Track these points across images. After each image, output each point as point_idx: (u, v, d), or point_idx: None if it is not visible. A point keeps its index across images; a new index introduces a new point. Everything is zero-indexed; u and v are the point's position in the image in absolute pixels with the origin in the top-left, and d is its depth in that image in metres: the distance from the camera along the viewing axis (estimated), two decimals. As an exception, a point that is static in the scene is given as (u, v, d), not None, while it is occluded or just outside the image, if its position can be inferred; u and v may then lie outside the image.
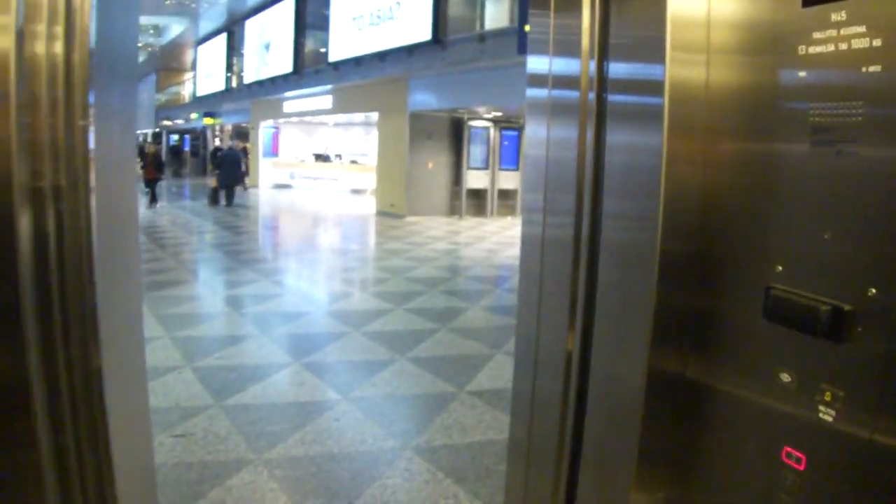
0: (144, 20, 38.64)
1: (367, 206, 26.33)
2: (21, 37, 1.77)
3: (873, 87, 1.35)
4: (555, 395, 2.24)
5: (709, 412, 1.77)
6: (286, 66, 30.10)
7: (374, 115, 26.32)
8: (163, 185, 30.12)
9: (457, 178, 23.99)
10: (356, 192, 32.76)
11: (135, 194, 2.36)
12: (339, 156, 36.33)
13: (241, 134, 40.40)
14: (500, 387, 6.43)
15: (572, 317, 2.14)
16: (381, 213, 23.86)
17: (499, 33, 17.44)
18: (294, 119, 35.34)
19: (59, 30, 1.86)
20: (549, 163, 2.27)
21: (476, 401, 6.14)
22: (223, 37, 39.74)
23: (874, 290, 1.34)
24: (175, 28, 41.42)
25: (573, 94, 2.10)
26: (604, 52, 2.00)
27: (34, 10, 1.83)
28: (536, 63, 2.31)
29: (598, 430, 2.06)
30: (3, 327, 1.81)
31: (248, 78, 35.33)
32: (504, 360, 7.21)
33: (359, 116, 31.91)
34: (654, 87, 1.75)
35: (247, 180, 32.57)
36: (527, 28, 2.43)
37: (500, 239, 18.52)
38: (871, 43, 1.35)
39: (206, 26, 40.37)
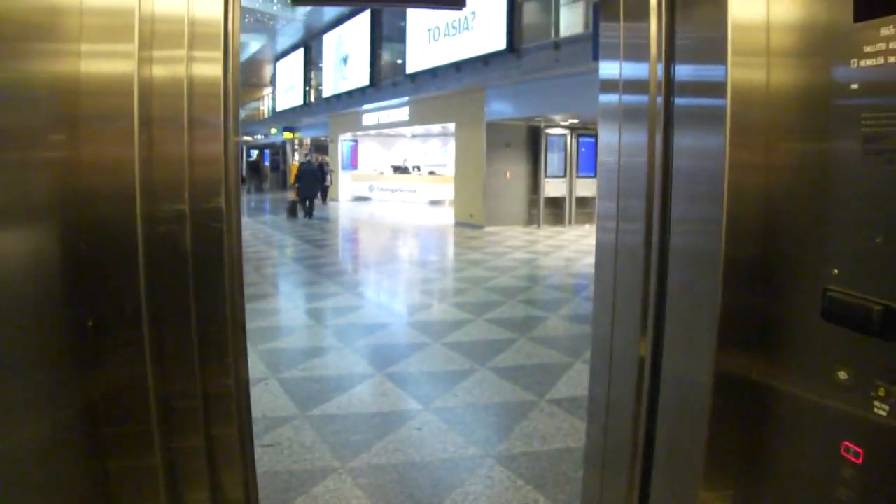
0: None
1: (446, 216, 26.39)
2: (150, 62, 1.94)
3: (921, 100, 1.41)
4: (628, 400, 2.30)
5: (773, 412, 1.82)
6: (363, 79, 30.39)
7: (452, 126, 26.43)
8: (242, 200, 30.63)
9: (534, 186, 23.89)
10: (435, 203, 32.87)
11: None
12: (417, 167, 36.46)
13: (320, 147, 40.92)
14: (579, 395, 6.45)
15: (644, 322, 2.20)
16: (460, 224, 23.91)
17: (573, 40, 17.35)
18: (372, 132, 35.64)
19: (218, 55, 2.02)
20: (621, 169, 2.34)
21: (555, 409, 6.18)
22: (300, 52, 40.31)
23: (923, 291, 1.40)
24: (254, 44, 42.13)
25: (642, 99, 2.17)
26: (671, 56, 2.07)
27: (203, 38, 2.00)
28: (608, 68, 2.39)
29: (668, 432, 2.12)
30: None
31: (327, 92, 35.73)
32: (583, 369, 7.19)
33: (436, 127, 32.06)
34: (717, 89, 1.83)
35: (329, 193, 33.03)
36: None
37: (578, 247, 18.45)
38: (918, 56, 1.41)
39: (283, 42, 41.05)
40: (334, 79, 34.33)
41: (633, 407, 2.26)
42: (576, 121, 22.84)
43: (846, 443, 1.60)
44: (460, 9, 2.78)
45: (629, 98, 2.27)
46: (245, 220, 25.61)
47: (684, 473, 2.06)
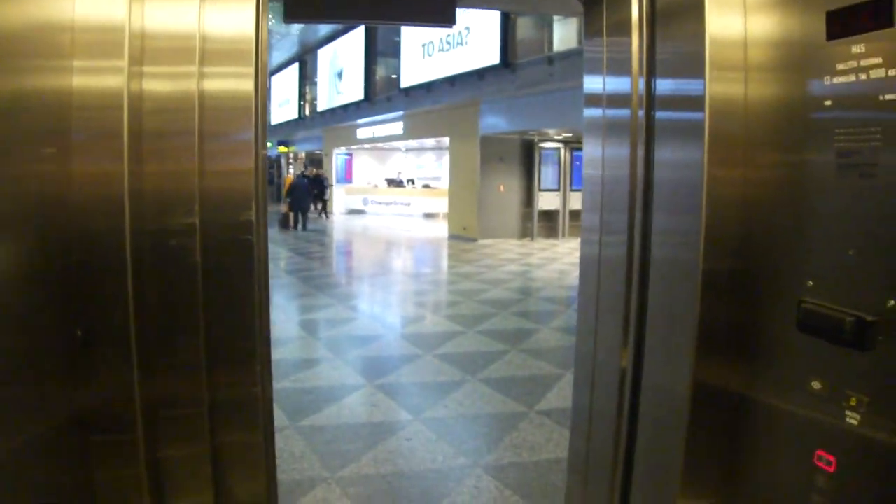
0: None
1: (440, 230, 26.42)
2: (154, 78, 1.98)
3: (889, 115, 1.45)
4: (610, 410, 2.33)
5: (750, 421, 1.85)
6: (358, 94, 30.46)
7: (446, 140, 26.50)
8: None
9: (528, 199, 23.94)
10: (429, 216, 32.91)
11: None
12: (411, 181, 36.53)
13: (315, 161, 40.96)
14: (569, 406, 6.44)
15: (626, 333, 2.23)
16: (454, 237, 23.94)
17: (567, 55, 17.44)
18: (366, 145, 35.71)
19: (251, 70, 2.06)
20: (604, 182, 2.37)
21: (545, 420, 6.21)
22: (295, 66, 40.42)
23: (893, 302, 1.43)
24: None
25: (625, 113, 2.21)
26: (651, 70, 2.11)
27: (237, 55, 2.03)
28: (592, 82, 2.44)
29: (648, 442, 2.15)
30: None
31: (321, 106, 35.81)
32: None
33: (430, 141, 32.10)
34: (696, 103, 1.86)
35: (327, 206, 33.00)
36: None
37: (571, 260, 18.46)
38: (887, 73, 1.45)
39: (278, 56, 41.10)
40: (329, 93, 34.42)
41: (614, 417, 2.29)
42: (569, 134, 22.90)
43: (819, 451, 1.63)
44: (450, 26, 2.82)
45: (612, 112, 2.31)
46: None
47: (663, 482, 2.09)
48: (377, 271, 17.84)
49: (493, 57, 20.21)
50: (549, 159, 24.36)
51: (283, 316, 11.35)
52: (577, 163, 24.61)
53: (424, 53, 24.14)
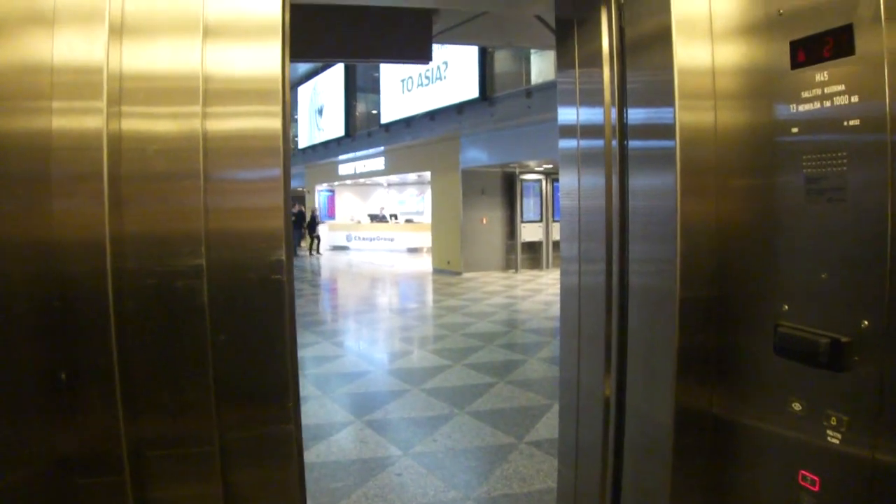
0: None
1: (424, 264, 26.44)
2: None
3: (854, 140, 1.48)
4: (596, 438, 2.34)
5: (733, 444, 1.87)
6: (339, 130, 30.52)
7: (427, 174, 26.57)
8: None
9: (511, 231, 23.99)
10: (412, 250, 32.91)
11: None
12: (394, 216, 36.59)
13: (298, 198, 41.01)
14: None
15: (608, 361, 2.25)
16: (438, 271, 23.94)
17: (545, 87, 17.55)
18: (349, 181, 35.77)
19: (278, 108, 2.07)
20: (581, 212, 2.40)
21: (535, 450, 6.20)
22: (276, 104, 40.50)
23: (866, 323, 1.46)
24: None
25: (598, 143, 2.25)
26: (623, 100, 2.15)
27: (267, 95, 2.04)
28: (566, 114, 2.47)
29: (634, 468, 2.16)
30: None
31: (302, 143, 35.85)
32: (562, 411, 7.20)
33: (412, 176, 32.21)
34: (667, 131, 1.90)
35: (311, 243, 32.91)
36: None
37: (555, 290, 18.38)
38: (850, 100, 1.49)
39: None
40: (310, 130, 34.47)
41: (600, 445, 2.30)
42: (550, 166, 22.99)
43: (803, 471, 1.65)
44: (426, 62, 2.87)
45: (586, 143, 2.35)
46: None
47: (651, 508, 2.10)
48: (362, 307, 17.78)
49: (471, 91, 20.32)
50: (531, 191, 24.45)
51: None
52: (559, 193, 24.60)
53: (404, 88, 24.27)
